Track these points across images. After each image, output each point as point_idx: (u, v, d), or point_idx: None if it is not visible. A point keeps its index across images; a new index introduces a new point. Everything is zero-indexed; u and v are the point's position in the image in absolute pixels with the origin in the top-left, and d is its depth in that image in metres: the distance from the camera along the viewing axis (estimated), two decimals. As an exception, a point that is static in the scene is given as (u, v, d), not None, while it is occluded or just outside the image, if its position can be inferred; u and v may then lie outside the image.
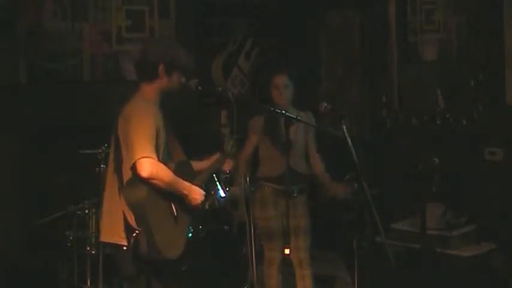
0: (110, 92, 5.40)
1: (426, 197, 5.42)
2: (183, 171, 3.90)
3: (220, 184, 5.21)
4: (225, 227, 5.41)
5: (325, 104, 4.60)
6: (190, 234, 5.01)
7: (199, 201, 3.87)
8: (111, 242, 3.81)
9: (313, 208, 4.99)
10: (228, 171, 4.77)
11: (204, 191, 4.02)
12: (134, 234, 3.65)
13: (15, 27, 5.26)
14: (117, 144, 3.77)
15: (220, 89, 4.74)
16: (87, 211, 4.87)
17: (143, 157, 3.57)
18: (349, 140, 4.02)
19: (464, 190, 5.68)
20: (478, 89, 5.71)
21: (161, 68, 3.81)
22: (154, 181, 3.62)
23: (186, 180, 3.85)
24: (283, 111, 4.36)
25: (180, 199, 3.81)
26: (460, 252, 5.34)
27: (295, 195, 4.77)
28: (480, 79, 5.69)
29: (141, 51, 3.93)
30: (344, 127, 4.10)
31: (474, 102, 5.72)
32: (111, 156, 3.83)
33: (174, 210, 3.79)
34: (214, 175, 5.21)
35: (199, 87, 4.09)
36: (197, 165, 4.13)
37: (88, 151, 4.84)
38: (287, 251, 4.50)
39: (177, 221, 3.81)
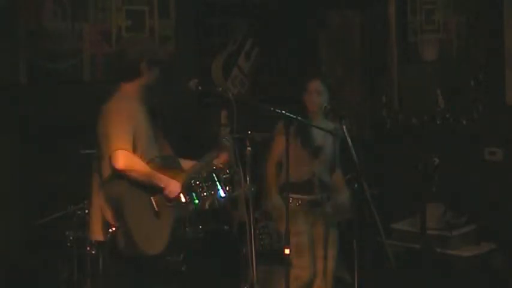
0: (110, 92, 5.39)
1: (426, 197, 5.41)
2: (169, 166, 3.96)
3: (220, 184, 5.21)
4: (225, 227, 5.41)
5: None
6: (190, 234, 5.04)
7: (175, 194, 3.90)
8: (93, 239, 3.89)
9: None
10: (221, 166, 4.74)
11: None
12: (111, 230, 3.69)
13: (15, 27, 5.26)
14: (98, 143, 3.85)
15: (220, 89, 4.75)
16: (87, 211, 4.86)
17: (118, 149, 3.66)
18: (349, 140, 4.02)
19: (464, 190, 5.68)
20: (478, 89, 5.71)
21: (142, 65, 3.87)
22: (129, 173, 3.68)
23: (171, 175, 3.89)
24: (282, 111, 4.28)
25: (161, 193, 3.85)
26: (460, 252, 5.34)
27: (324, 202, 4.72)
28: (480, 79, 5.69)
29: (120, 51, 4.00)
30: (344, 127, 4.11)
31: (474, 102, 5.72)
32: (95, 156, 3.91)
33: (155, 205, 3.81)
34: (214, 175, 5.21)
35: (199, 87, 4.10)
36: (188, 163, 4.15)
37: (88, 151, 4.83)
38: (287, 251, 4.49)
39: (159, 217, 3.84)
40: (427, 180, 5.32)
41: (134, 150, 3.77)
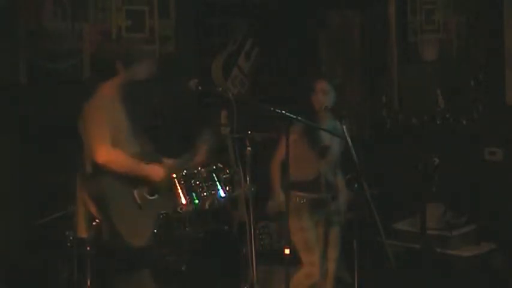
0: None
1: (426, 197, 5.41)
2: (150, 161, 4.04)
3: (220, 184, 5.21)
4: (225, 227, 5.41)
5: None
6: (190, 234, 5.04)
7: (161, 176, 4.00)
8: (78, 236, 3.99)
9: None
10: (199, 167, 4.76)
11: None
12: (95, 223, 3.77)
13: (15, 27, 5.25)
14: (81, 142, 3.97)
15: (220, 89, 4.76)
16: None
17: (98, 144, 3.77)
18: (349, 140, 4.02)
19: (464, 190, 5.68)
20: (478, 89, 5.71)
21: (118, 65, 3.98)
22: (111, 165, 3.79)
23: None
24: (282, 111, 4.28)
25: (145, 185, 3.95)
26: (460, 252, 5.34)
27: (329, 203, 4.74)
28: (480, 79, 5.69)
29: (96, 53, 4.11)
30: (344, 127, 4.11)
31: (474, 102, 5.72)
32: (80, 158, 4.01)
33: (137, 198, 3.90)
34: (214, 175, 5.21)
35: (199, 87, 4.11)
36: (169, 161, 4.23)
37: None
38: (287, 251, 4.49)
39: (141, 209, 3.93)
40: (427, 180, 5.32)
41: (114, 146, 3.87)
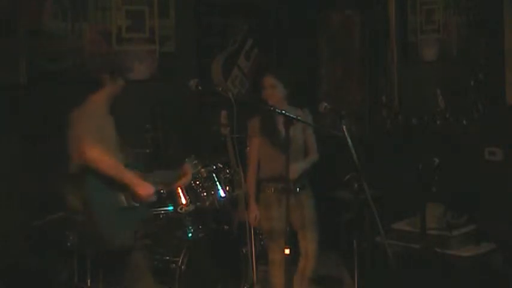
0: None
1: (426, 197, 5.42)
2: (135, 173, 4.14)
3: (220, 184, 5.21)
4: (225, 227, 5.41)
5: (325, 104, 4.60)
6: (190, 234, 5.04)
7: (150, 194, 4.09)
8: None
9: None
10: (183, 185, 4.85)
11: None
12: (79, 220, 3.84)
13: (15, 27, 5.25)
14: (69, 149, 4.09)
15: (220, 89, 4.77)
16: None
17: (88, 143, 3.88)
18: (349, 140, 4.02)
19: (464, 190, 5.68)
20: (478, 89, 5.71)
21: (105, 78, 4.13)
22: (99, 164, 3.88)
23: None
24: (282, 111, 4.33)
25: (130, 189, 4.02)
26: (460, 252, 5.34)
27: (298, 191, 4.82)
28: (480, 79, 5.69)
29: (87, 64, 4.18)
30: (344, 127, 4.11)
31: (474, 102, 5.72)
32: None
33: (124, 201, 3.98)
34: (214, 175, 5.21)
35: (199, 87, 4.12)
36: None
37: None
38: (287, 251, 4.50)
39: (125, 212, 3.99)
40: (427, 180, 5.33)
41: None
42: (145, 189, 4.04)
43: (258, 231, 5.30)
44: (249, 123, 4.87)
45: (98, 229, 3.89)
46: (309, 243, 4.88)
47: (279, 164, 4.64)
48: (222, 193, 5.20)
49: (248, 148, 4.97)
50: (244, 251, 5.17)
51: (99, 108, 4.06)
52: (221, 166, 5.29)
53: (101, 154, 3.89)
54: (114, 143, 4.05)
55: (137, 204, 4.09)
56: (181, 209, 5.00)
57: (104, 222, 3.90)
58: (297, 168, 4.76)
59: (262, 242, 5.48)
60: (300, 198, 4.86)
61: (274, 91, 4.80)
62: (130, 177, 4.01)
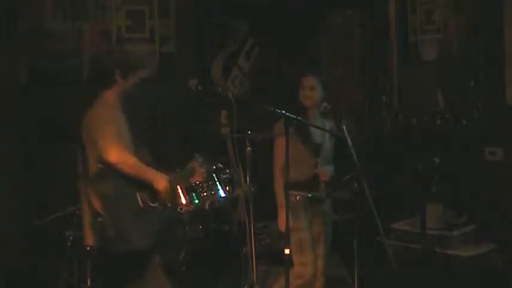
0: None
1: (426, 197, 5.42)
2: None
3: (220, 184, 5.21)
4: (225, 227, 5.41)
5: (325, 104, 4.60)
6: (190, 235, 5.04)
7: (163, 185, 4.00)
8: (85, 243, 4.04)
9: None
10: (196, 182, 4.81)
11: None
12: (100, 219, 3.79)
13: (15, 27, 5.25)
14: (83, 150, 4.00)
15: (220, 89, 4.76)
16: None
17: (110, 144, 3.79)
18: (349, 140, 4.02)
19: (464, 190, 5.68)
20: (478, 89, 5.71)
21: (117, 73, 3.98)
22: (121, 166, 3.81)
23: None
24: (282, 111, 4.28)
25: (148, 189, 3.97)
26: (460, 252, 5.34)
27: (325, 197, 4.74)
28: (480, 79, 5.69)
29: (97, 61, 4.10)
30: (344, 127, 4.10)
31: (474, 102, 5.72)
32: (79, 161, 4.06)
33: (140, 201, 3.93)
34: (214, 175, 5.21)
35: (199, 87, 4.11)
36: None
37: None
38: (287, 251, 4.49)
39: (144, 213, 3.94)
40: (427, 180, 5.33)
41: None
42: (158, 179, 3.98)
43: (258, 231, 5.30)
44: (279, 122, 4.59)
45: (119, 230, 3.84)
46: (318, 258, 4.74)
47: (307, 168, 4.62)
48: (222, 193, 5.19)
49: (275, 149, 4.75)
50: (244, 251, 5.17)
51: (114, 108, 4.00)
52: (221, 166, 5.28)
53: (123, 155, 3.84)
54: (129, 142, 4.00)
55: (154, 205, 4.04)
56: (181, 209, 4.99)
57: (125, 222, 3.86)
58: (329, 170, 4.67)
59: (262, 242, 5.48)
60: (323, 207, 4.74)
61: (313, 93, 4.65)
62: (147, 172, 3.96)
